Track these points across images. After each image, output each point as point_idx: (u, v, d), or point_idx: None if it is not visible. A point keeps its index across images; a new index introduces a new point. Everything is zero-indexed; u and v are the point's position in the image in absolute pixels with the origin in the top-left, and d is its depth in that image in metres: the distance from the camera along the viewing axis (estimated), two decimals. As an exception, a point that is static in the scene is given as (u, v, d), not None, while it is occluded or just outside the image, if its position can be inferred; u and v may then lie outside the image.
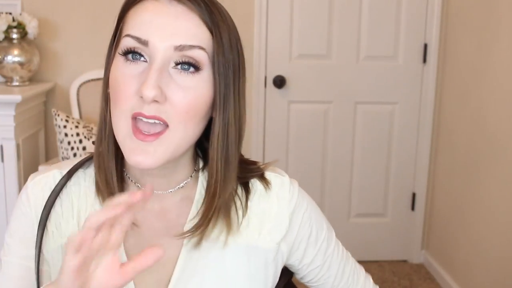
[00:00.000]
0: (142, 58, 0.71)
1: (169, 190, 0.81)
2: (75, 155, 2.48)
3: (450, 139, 2.80)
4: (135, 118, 0.71)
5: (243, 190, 0.84)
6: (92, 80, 2.71)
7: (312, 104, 2.96)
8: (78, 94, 2.70)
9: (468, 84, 2.59)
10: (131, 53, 0.71)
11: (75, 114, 2.69)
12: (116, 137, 0.73)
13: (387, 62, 2.93)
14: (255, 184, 0.85)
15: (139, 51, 0.71)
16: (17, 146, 2.45)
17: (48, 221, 0.79)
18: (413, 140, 3.02)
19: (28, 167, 2.59)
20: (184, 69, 0.71)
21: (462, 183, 2.63)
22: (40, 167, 2.48)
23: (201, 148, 0.85)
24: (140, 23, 0.71)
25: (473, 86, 2.53)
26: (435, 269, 2.91)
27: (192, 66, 0.71)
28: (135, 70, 0.71)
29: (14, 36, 2.61)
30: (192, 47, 0.70)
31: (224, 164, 0.77)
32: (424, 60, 2.92)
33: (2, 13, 2.71)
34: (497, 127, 2.31)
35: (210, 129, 0.77)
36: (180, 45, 0.70)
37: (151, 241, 0.69)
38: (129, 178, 0.81)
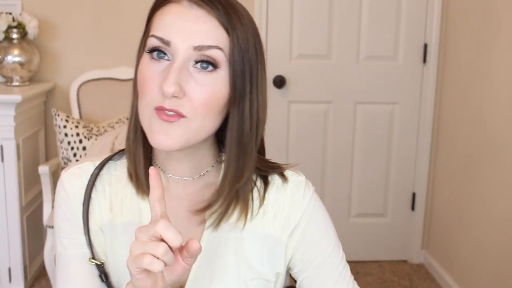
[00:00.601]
0: (165, 57, 0.78)
1: (192, 177, 0.88)
2: (75, 155, 2.48)
3: (450, 139, 2.80)
4: (157, 110, 0.78)
5: (262, 183, 0.91)
6: (92, 80, 2.71)
7: (312, 104, 2.96)
8: (78, 94, 2.69)
9: (468, 84, 2.59)
10: (156, 51, 0.79)
11: (75, 114, 2.69)
12: (142, 123, 0.81)
13: (387, 62, 2.93)
14: (274, 178, 0.92)
15: (162, 49, 0.78)
16: (17, 146, 2.45)
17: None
18: (413, 140, 3.02)
19: (28, 167, 2.59)
20: (203, 68, 0.78)
21: (462, 183, 2.64)
22: (40, 168, 2.48)
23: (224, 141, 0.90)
24: (164, 25, 0.78)
25: (473, 86, 2.53)
26: (435, 269, 2.91)
27: (210, 64, 0.78)
28: (159, 67, 0.78)
29: (14, 36, 2.61)
30: (210, 47, 0.77)
31: (238, 154, 0.84)
32: (424, 60, 2.92)
33: (2, 13, 2.71)
34: (497, 127, 2.31)
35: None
36: (199, 45, 0.76)
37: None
38: (156, 164, 0.89)
